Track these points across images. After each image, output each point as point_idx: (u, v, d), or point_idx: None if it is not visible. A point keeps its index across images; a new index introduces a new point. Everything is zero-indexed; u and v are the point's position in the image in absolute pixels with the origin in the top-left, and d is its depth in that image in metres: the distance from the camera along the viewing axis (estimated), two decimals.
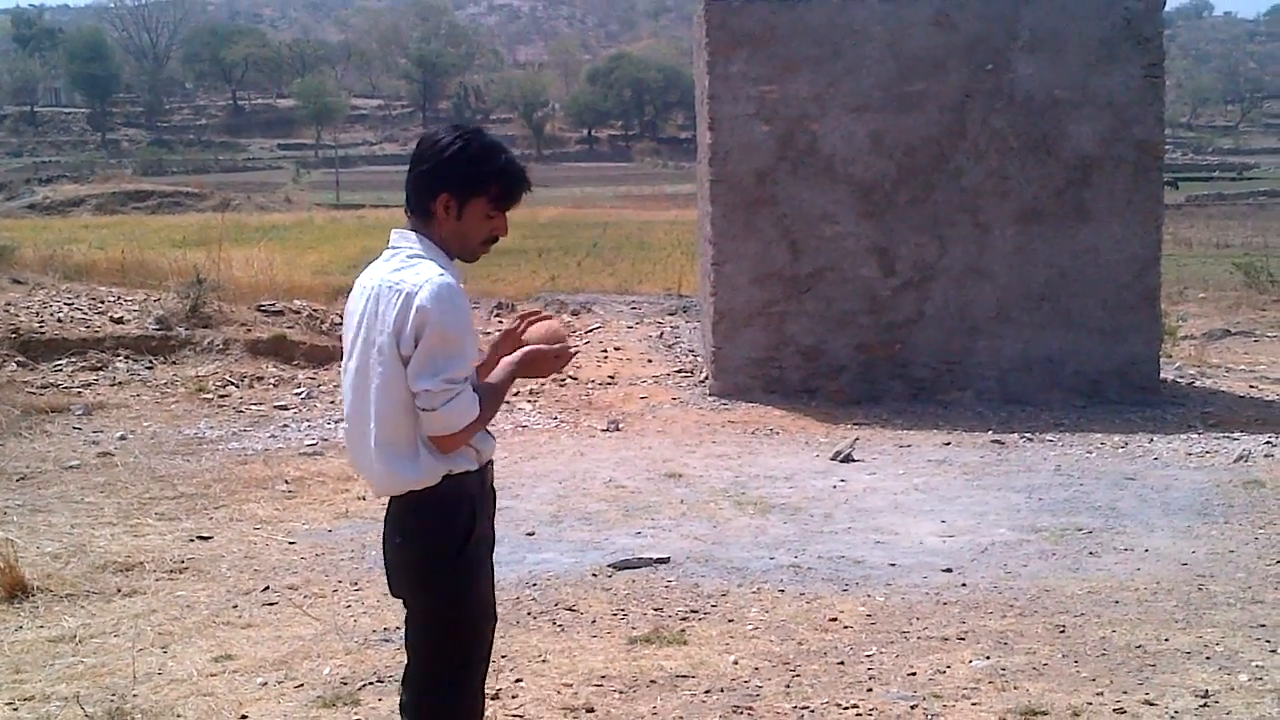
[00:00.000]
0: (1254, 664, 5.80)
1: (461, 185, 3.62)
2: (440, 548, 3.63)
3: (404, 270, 3.56)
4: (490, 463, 3.81)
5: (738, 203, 13.18)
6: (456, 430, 3.52)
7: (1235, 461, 10.48)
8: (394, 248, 3.68)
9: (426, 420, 3.52)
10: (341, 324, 12.56)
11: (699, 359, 14.92)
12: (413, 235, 3.67)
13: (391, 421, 3.58)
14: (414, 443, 3.58)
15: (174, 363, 13.66)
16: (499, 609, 6.75)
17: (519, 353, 3.77)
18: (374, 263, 3.75)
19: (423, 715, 3.78)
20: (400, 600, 3.81)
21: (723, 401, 13.08)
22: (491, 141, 3.70)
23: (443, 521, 3.63)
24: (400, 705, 3.86)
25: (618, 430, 12.04)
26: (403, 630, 6.30)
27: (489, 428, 3.74)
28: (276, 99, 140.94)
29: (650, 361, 15.10)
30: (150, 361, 13.64)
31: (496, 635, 6.30)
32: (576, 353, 3.74)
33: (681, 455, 10.99)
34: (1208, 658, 5.91)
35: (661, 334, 17.08)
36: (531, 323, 3.91)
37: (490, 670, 5.76)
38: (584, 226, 41.13)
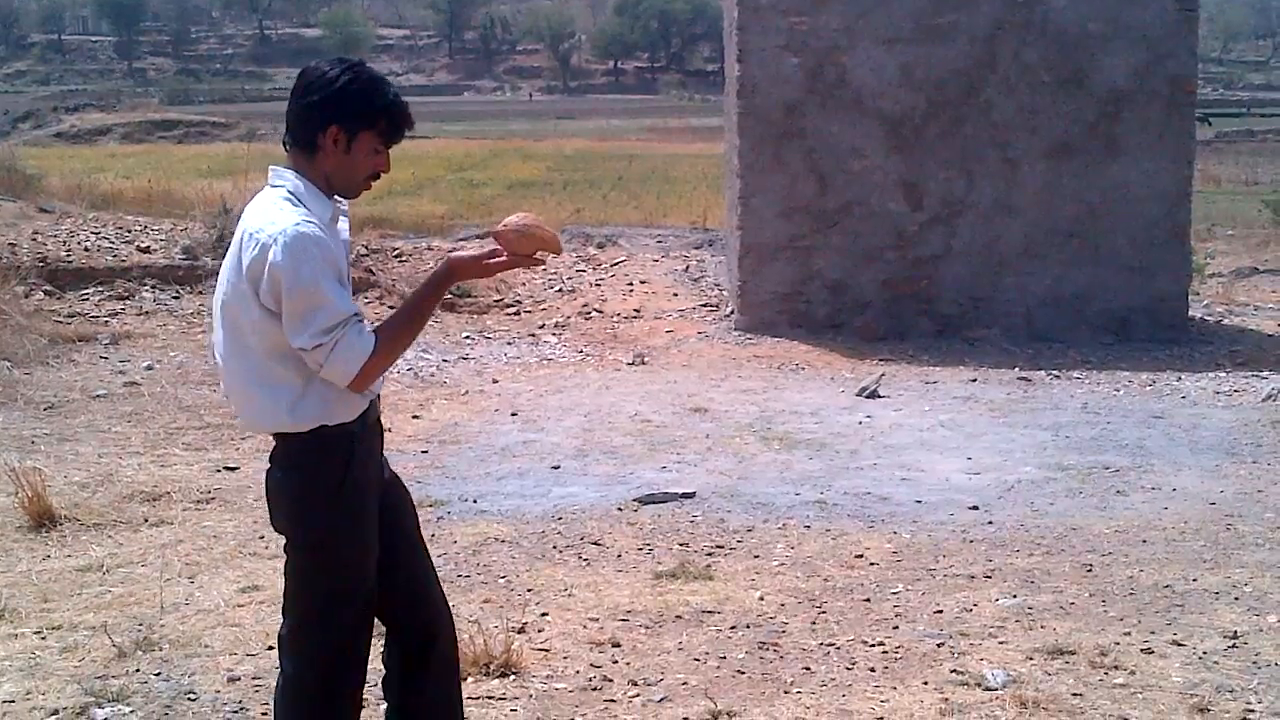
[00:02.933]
0: None
1: (352, 118, 3.52)
2: (318, 484, 3.57)
3: (266, 215, 3.46)
4: (377, 398, 3.73)
5: (765, 136, 13.07)
6: (354, 374, 3.45)
7: (1264, 400, 10.41)
8: (271, 185, 3.58)
9: (324, 375, 3.46)
10: (367, 255, 12.43)
11: (724, 293, 14.87)
12: (289, 174, 3.57)
13: (258, 364, 3.52)
14: (282, 387, 3.52)
15: (200, 292, 13.65)
16: (524, 542, 6.80)
17: (443, 263, 3.69)
18: (256, 196, 3.67)
19: (288, 653, 3.71)
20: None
21: (748, 336, 13.03)
22: (379, 75, 3.61)
23: (321, 459, 3.56)
24: (279, 637, 3.80)
25: (643, 364, 12.02)
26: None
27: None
28: (303, 28, 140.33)
29: (676, 295, 15.05)
30: (177, 291, 13.66)
31: (523, 568, 6.36)
32: (505, 260, 3.62)
33: (707, 390, 10.97)
34: (1236, 598, 5.89)
35: (687, 268, 17.01)
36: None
37: (516, 604, 5.82)
38: (610, 159, 40.89)
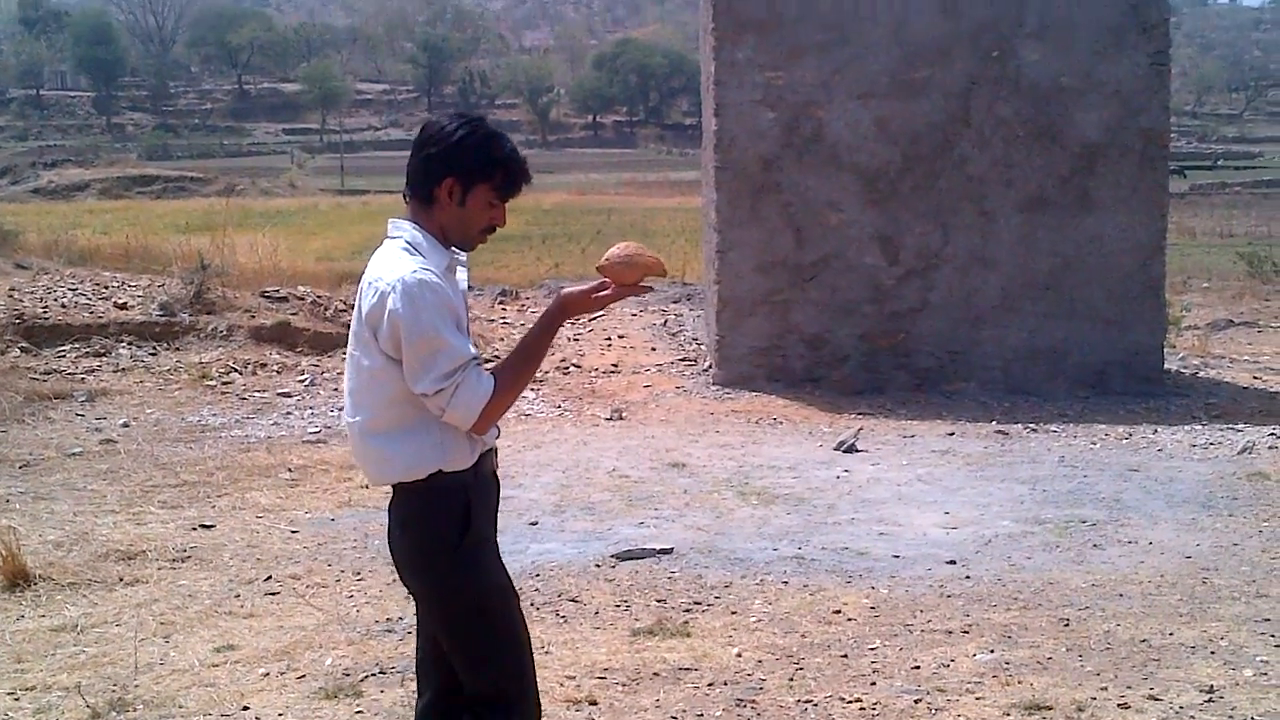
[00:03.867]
0: (1259, 659, 5.78)
1: (468, 171, 3.59)
2: (436, 539, 3.61)
3: (385, 265, 3.54)
4: (492, 451, 3.78)
5: (742, 190, 13.13)
6: (476, 417, 3.52)
7: (1239, 453, 10.45)
8: (390, 237, 3.67)
9: (448, 420, 3.52)
10: (345, 310, 12.49)
11: (702, 347, 14.90)
12: (407, 225, 3.65)
13: (378, 413, 3.60)
14: (401, 434, 3.58)
15: (177, 349, 13.64)
16: None
17: (554, 301, 3.73)
18: (378, 249, 3.74)
19: (478, 704, 3.73)
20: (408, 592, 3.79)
21: (726, 390, 13.05)
22: (496, 130, 3.67)
23: (437, 512, 3.61)
24: (420, 711, 3.84)
25: (621, 419, 12.02)
26: (405, 620, 6.32)
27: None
28: (282, 83, 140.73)
29: (654, 350, 15.07)
30: (154, 348, 13.63)
31: None
32: (616, 290, 3.71)
33: (685, 445, 10.97)
34: (1212, 652, 5.90)
35: (665, 322, 17.06)
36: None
37: None
38: (588, 213, 41.07)
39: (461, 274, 3.73)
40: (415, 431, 3.58)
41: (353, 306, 12.24)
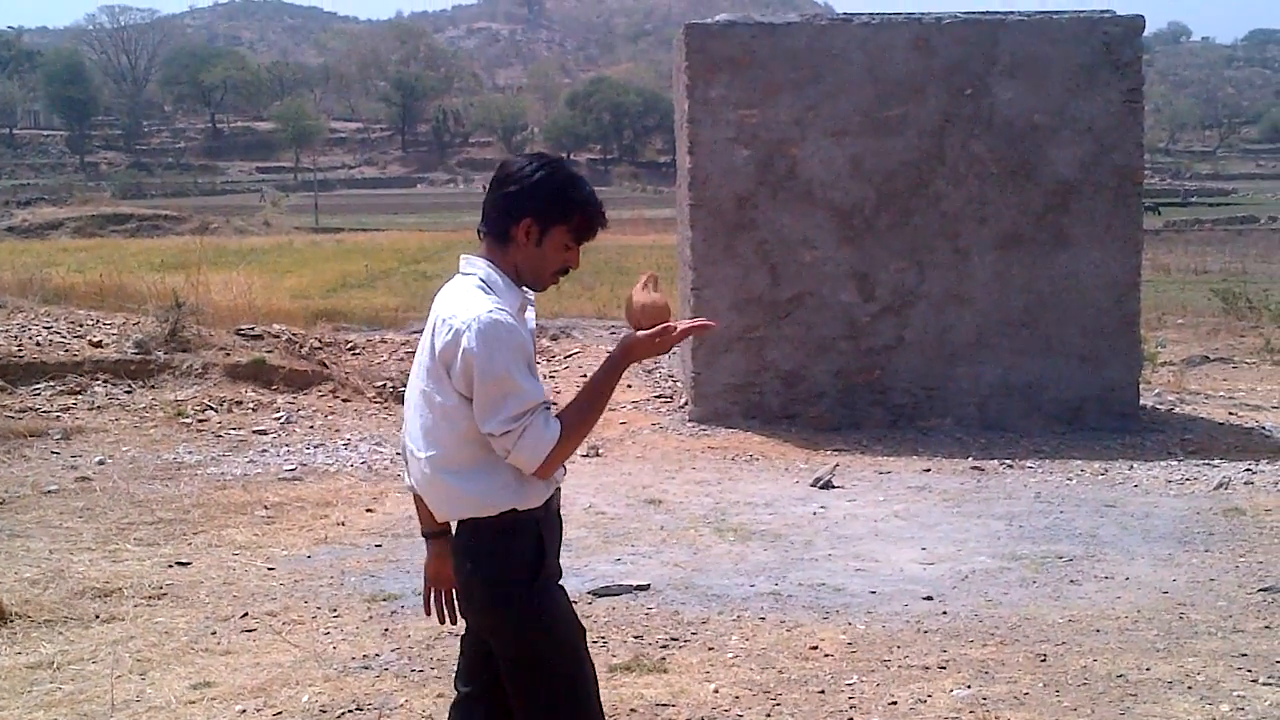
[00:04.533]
0: (1235, 694, 5.81)
1: (546, 213, 3.62)
2: (509, 576, 3.62)
3: (459, 303, 3.56)
4: (557, 490, 3.79)
5: (717, 227, 13.17)
6: (541, 461, 3.53)
7: (1215, 489, 10.50)
8: (463, 273, 3.69)
9: (512, 462, 3.54)
10: (320, 348, 12.42)
11: (678, 384, 14.91)
12: (481, 262, 3.68)
13: (451, 450, 3.61)
14: (474, 472, 3.59)
15: (152, 387, 13.58)
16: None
17: (618, 346, 3.74)
18: (448, 283, 3.77)
19: None
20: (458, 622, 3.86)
21: (702, 427, 13.06)
22: (577, 174, 3.70)
23: (509, 550, 3.62)
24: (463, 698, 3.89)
25: (597, 456, 12.02)
26: (381, 657, 6.30)
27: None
28: (255, 122, 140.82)
29: (629, 387, 15.07)
30: (129, 385, 13.57)
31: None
32: (682, 329, 3.71)
33: (661, 481, 10.97)
34: (1189, 687, 5.91)
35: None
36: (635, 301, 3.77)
37: None
38: None
39: (530, 313, 3.75)
40: (489, 470, 3.59)
41: (327, 344, 12.18)
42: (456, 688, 3.97)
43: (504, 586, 3.62)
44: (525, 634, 3.64)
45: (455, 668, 3.99)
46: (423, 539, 3.98)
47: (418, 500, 3.93)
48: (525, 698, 3.71)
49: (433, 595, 4.02)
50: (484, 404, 3.48)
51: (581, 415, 3.63)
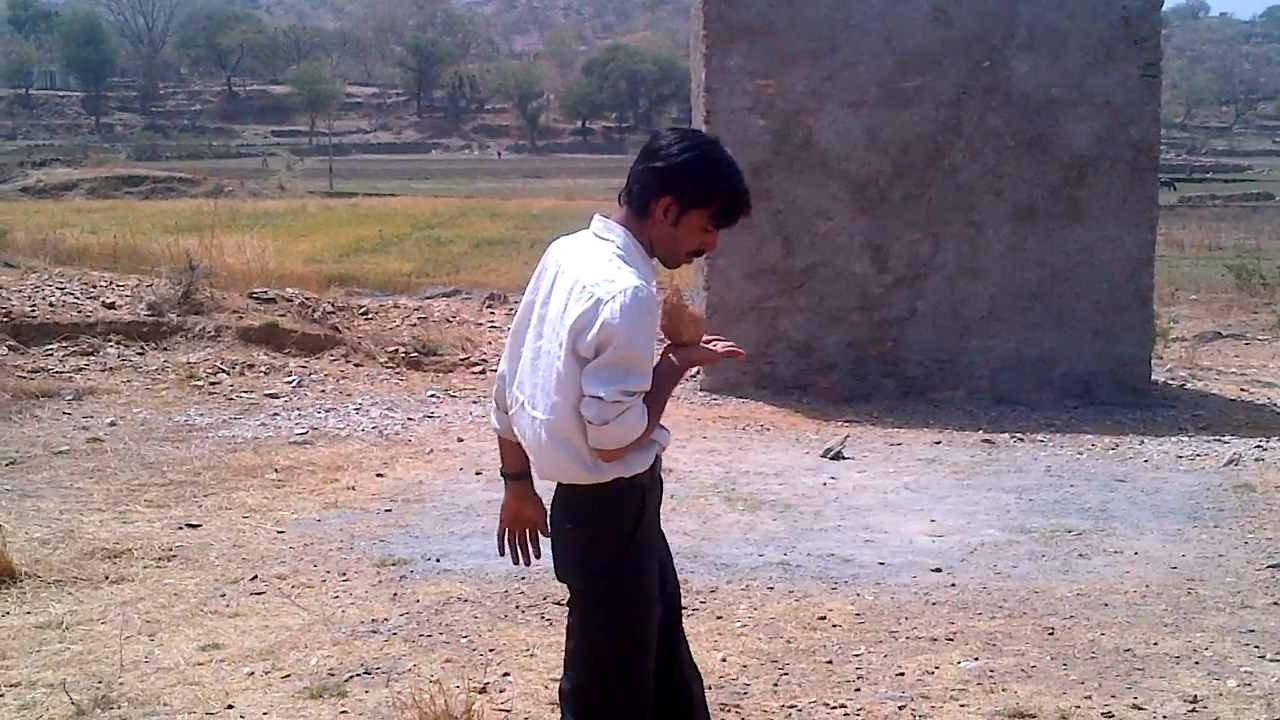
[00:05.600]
0: (1242, 669, 5.80)
1: (687, 194, 3.57)
2: (610, 535, 3.64)
3: (602, 271, 3.51)
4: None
5: None
6: (624, 444, 3.51)
7: (1225, 465, 10.47)
8: (600, 237, 3.66)
9: (593, 432, 3.49)
10: (333, 313, 12.38)
11: None
12: (619, 230, 3.64)
13: (568, 414, 3.56)
14: (583, 436, 3.56)
15: (165, 349, 13.61)
16: (487, 602, 6.78)
17: (689, 355, 3.74)
18: (572, 238, 3.76)
19: (573, 709, 3.79)
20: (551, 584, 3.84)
21: (713, 397, 13.06)
22: (726, 157, 3.64)
23: (613, 510, 3.63)
24: (559, 691, 3.90)
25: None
26: (390, 621, 6.32)
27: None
28: (271, 85, 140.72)
29: None
30: (141, 347, 13.60)
31: (485, 627, 6.34)
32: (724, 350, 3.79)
33: (672, 450, 10.93)
34: (1196, 662, 5.91)
35: None
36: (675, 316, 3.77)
37: (478, 663, 5.79)
38: (577, 218, 40.74)
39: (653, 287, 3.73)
40: None
41: (340, 309, 12.12)
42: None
43: (597, 551, 3.65)
44: (601, 597, 3.67)
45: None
46: (500, 480, 4.03)
47: (502, 441, 3.96)
48: (576, 659, 3.77)
49: (508, 535, 4.06)
50: (604, 369, 3.44)
51: (658, 410, 3.62)
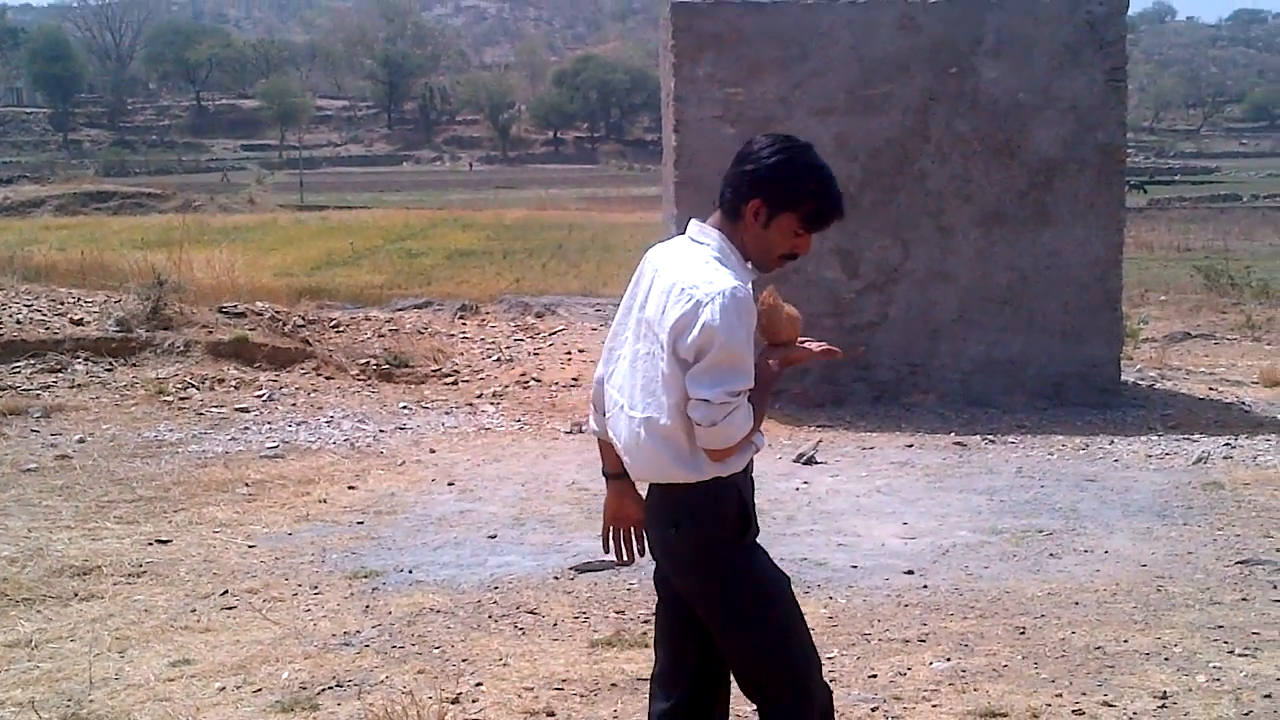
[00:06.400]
0: (1212, 665, 5.84)
1: (776, 197, 3.62)
2: (717, 536, 3.66)
3: (700, 273, 3.55)
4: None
5: (703, 205, 13.00)
6: (732, 443, 3.55)
7: (1194, 463, 10.53)
8: (696, 241, 3.70)
9: (702, 434, 3.53)
10: (304, 326, 12.36)
11: None
12: (715, 234, 3.69)
13: (669, 416, 3.60)
14: (693, 441, 3.59)
15: (134, 365, 13.55)
16: (459, 612, 6.76)
17: (787, 355, 3.79)
18: (668, 243, 3.82)
19: (767, 696, 3.78)
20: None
21: None
22: (817, 161, 3.69)
23: (715, 512, 3.65)
24: (661, 713, 3.92)
25: (581, 432, 12.00)
26: (362, 634, 6.30)
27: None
28: (240, 99, 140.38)
29: None
30: (110, 363, 13.54)
31: (458, 638, 6.33)
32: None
33: None
34: (1166, 659, 5.94)
35: None
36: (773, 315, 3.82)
37: (450, 674, 5.79)
38: (549, 228, 41.04)
39: None
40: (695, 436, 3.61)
41: (310, 322, 12.10)
42: (652, 693, 4.01)
43: (710, 547, 3.67)
44: (732, 591, 3.68)
45: (652, 670, 4.04)
46: (601, 478, 4.09)
47: (601, 443, 4.02)
48: (738, 656, 3.76)
49: (611, 533, 4.10)
50: (708, 371, 3.48)
51: (759, 419, 3.65)
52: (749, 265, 3.71)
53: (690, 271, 3.57)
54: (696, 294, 3.49)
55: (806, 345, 3.83)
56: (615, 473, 4.00)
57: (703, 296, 3.47)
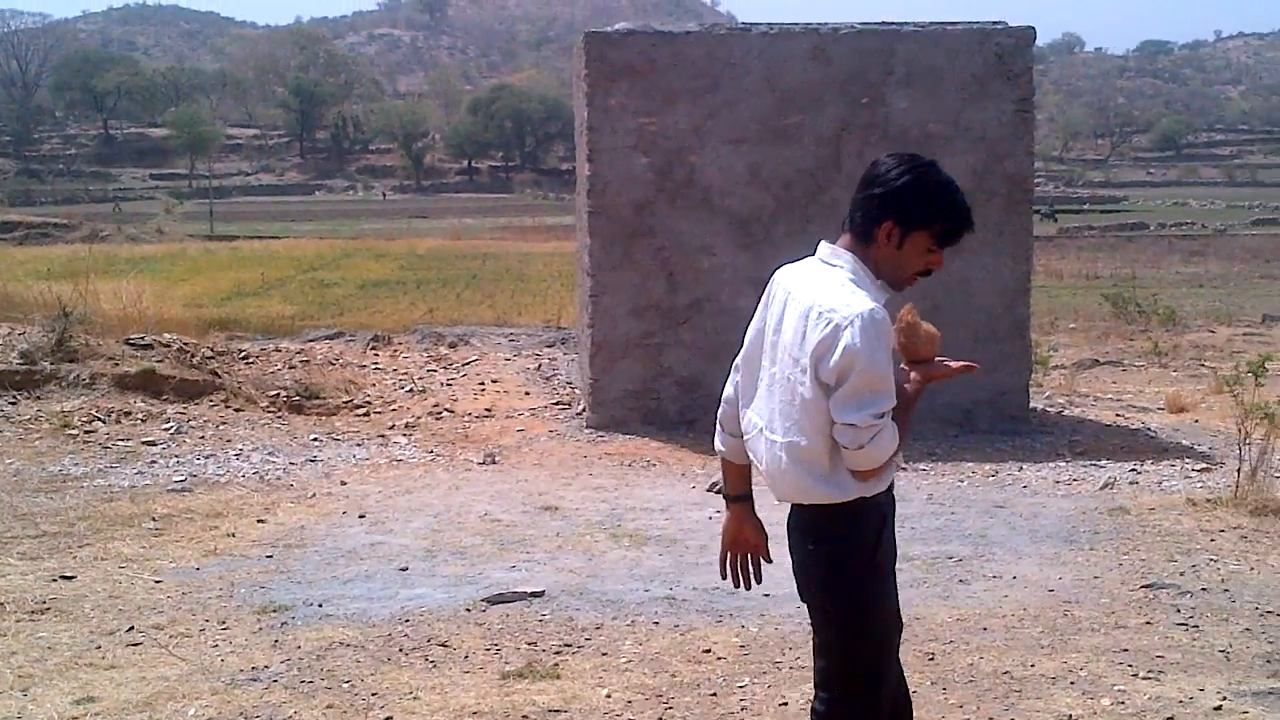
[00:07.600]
0: (1116, 688, 5.91)
1: (908, 217, 3.67)
2: (854, 554, 3.73)
3: (837, 296, 3.59)
4: None
5: (616, 234, 13.17)
6: (880, 464, 3.60)
7: (1101, 489, 10.67)
8: (828, 264, 3.74)
9: (850, 456, 3.57)
10: (213, 357, 12.20)
11: (576, 391, 14.90)
12: (848, 256, 3.73)
13: (812, 440, 3.65)
14: (835, 462, 3.64)
15: (38, 398, 13.33)
16: (370, 645, 6.71)
17: (927, 372, 3.85)
18: (798, 265, 3.85)
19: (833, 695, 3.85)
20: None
21: (600, 434, 13.05)
22: (945, 179, 3.73)
23: (856, 529, 3.72)
24: (812, 710, 3.98)
25: (494, 463, 11.97)
26: (270, 669, 6.23)
27: None
28: (150, 128, 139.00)
29: (528, 394, 15.04)
30: (13, 397, 13.30)
31: (368, 671, 6.28)
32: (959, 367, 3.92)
33: (558, 488, 10.95)
34: (1072, 683, 6.02)
35: (539, 366, 17.04)
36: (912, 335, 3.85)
37: (360, 708, 5.74)
38: (463, 258, 40.99)
39: None
40: (839, 458, 3.65)
41: (219, 353, 11.96)
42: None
43: (842, 567, 3.75)
44: (849, 618, 3.77)
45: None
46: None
47: (725, 464, 4.12)
48: (826, 678, 3.87)
49: (729, 559, 4.20)
50: (852, 395, 3.52)
51: (904, 437, 3.69)
52: (881, 284, 3.76)
53: (827, 294, 3.63)
54: (835, 317, 3.55)
55: (945, 362, 3.88)
56: (736, 495, 4.14)
57: (841, 320, 3.53)
